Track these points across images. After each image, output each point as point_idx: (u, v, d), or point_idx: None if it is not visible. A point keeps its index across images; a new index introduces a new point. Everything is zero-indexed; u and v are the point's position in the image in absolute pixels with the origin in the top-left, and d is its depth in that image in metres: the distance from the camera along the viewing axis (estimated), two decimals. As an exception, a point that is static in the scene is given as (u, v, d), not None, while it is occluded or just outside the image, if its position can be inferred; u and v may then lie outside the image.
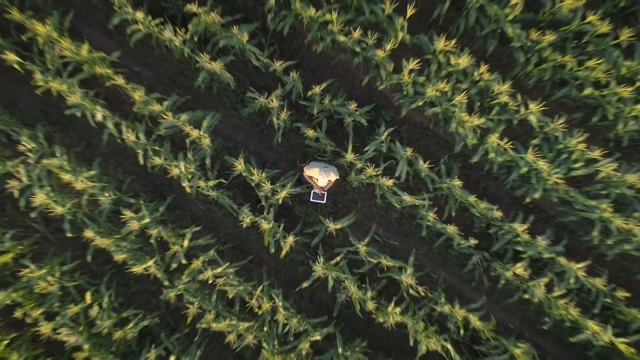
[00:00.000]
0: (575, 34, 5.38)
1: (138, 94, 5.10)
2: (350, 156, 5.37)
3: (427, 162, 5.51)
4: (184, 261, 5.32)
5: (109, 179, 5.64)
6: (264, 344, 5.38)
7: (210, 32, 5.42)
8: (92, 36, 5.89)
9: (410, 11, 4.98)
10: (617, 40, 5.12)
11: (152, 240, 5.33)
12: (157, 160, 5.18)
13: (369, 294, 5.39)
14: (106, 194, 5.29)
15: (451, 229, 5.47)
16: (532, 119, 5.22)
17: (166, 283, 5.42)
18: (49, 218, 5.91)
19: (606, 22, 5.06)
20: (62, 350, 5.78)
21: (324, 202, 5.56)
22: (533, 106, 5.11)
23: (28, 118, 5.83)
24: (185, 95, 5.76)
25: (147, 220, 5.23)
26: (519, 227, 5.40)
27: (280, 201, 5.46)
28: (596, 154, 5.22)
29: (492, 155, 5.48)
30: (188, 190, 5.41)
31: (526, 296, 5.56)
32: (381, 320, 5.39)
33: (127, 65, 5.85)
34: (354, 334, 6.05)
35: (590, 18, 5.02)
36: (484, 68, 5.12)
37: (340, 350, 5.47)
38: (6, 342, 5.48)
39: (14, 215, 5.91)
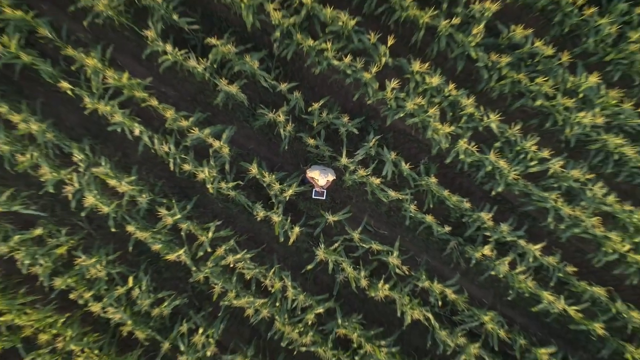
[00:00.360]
0: (529, 54, 6.51)
1: (169, 113, 6.21)
2: (344, 160, 6.49)
3: (409, 163, 6.63)
4: (208, 249, 6.44)
5: (144, 183, 6.75)
6: (277, 317, 6.49)
7: (226, 59, 6.53)
8: (125, 63, 7.00)
9: (390, 41, 6.12)
10: (560, 61, 6.25)
11: (182, 233, 6.45)
12: (187, 167, 6.29)
13: (363, 273, 6.51)
14: (143, 195, 6.39)
15: (429, 218, 6.60)
16: (493, 126, 6.35)
17: (193, 269, 6.52)
18: (91, 217, 7.02)
19: (550, 47, 6.20)
20: (107, 328, 6.89)
21: (324, 198, 6.70)
22: (493, 116, 6.24)
23: (73, 133, 6.93)
24: (206, 111, 6.87)
25: (178, 216, 6.34)
26: (485, 216, 6.53)
27: (287, 198, 6.57)
28: (546, 154, 6.35)
29: (462, 156, 6.60)
30: (211, 190, 6.52)
31: (493, 273, 6.69)
32: (373, 294, 6.51)
33: (155, 86, 6.95)
34: (351, 308, 7.17)
35: (537, 43, 6.16)
36: (452, 86, 6.24)
37: (339, 321, 6.59)
38: (62, 320, 6.58)
39: (62, 215, 7.01)
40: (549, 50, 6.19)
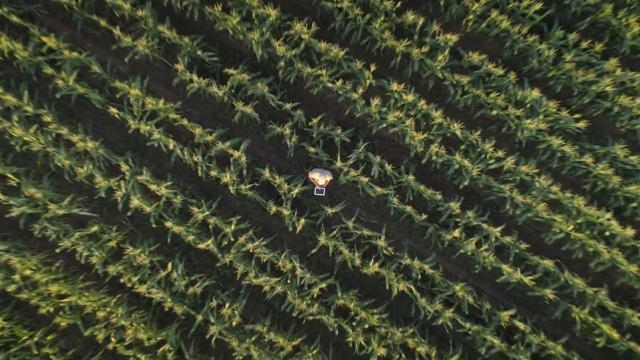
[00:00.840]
0: (485, 74, 8.05)
1: (197, 131, 7.74)
2: (339, 163, 8.01)
3: (392, 165, 8.16)
4: (232, 239, 7.95)
5: (176, 187, 8.26)
6: (288, 292, 8.01)
7: (240, 84, 8.04)
8: (156, 89, 8.51)
9: (373, 67, 7.66)
10: (510, 79, 7.80)
11: (210, 227, 7.97)
12: (213, 173, 7.81)
13: (357, 255, 8.04)
14: (178, 197, 7.91)
15: (409, 209, 8.13)
16: (457, 132, 7.88)
17: (219, 255, 8.04)
18: (133, 216, 8.53)
19: (501, 67, 7.74)
20: (149, 306, 8.40)
21: (323, 195, 8.23)
22: (456, 125, 7.78)
23: (117, 148, 8.44)
24: (225, 127, 8.39)
25: (206, 213, 7.86)
26: (454, 205, 8.07)
27: (294, 196, 8.10)
28: (501, 153, 7.89)
29: (434, 157, 8.14)
30: (232, 191, 8.04)
31: (463, 251, 8.23)
32: (365, 272, 8.04)
33: (182, 108, 8.46)
34: (348, 284, 8.69)
35: (490, 66, 7.70)
36: (423, 101, 7.78)
37: (339, 294, 8.12)
38: (114, 300, 8.09)
39: (109, 216, 8.51)
40: (500, 71, 7.74)
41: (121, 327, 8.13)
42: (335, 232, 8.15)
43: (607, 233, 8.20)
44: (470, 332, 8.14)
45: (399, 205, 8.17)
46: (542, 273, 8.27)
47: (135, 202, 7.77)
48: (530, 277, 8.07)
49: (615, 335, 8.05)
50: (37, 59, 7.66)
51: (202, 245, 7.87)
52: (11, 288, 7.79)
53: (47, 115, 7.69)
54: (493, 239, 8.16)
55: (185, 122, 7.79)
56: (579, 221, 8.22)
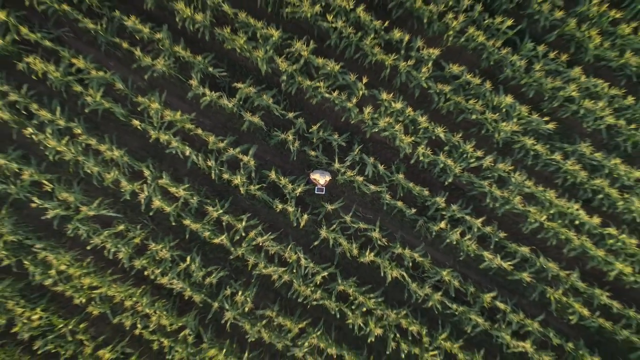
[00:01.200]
0: (465, 82, 9.05)
1: (211, 139, 8.74)
2: (337, 165, 9.02)
3: (384, 165, 9.16)
4: (243, 234, 8.95)
5: (192, 189, 9.25)
6: (294, 281, 9.01)
7: (248, 96, 9.04)
8: (172, 102, 9.50)
9: (365, 79, 8.66)
10: (487, 87, 8.81)
11: (223, 224, 8.97)
12: (225, 176, 8.81)
13: (354, 246, 9.04)
14: (194, 198, 8.91)
15: (400, 204, 9.13)
16: (441, 135, 8.89)
17: (232, 249, 9.03)
18: (153, 216, 9.51)
19: (478, 76, 8.75)
20: (170, 296, 9.39)
21: (323, 193, 9.24)
22: (440, 129, 8.79)
23: (138, 155, 9.44)
24: (234, 135, 9.39)
25: (220, 211, 8.86)
26: (440, 200, 9.07)
27: (297, 195, 9.10)
28: (479, 153, 8.90)
29: (422, 158, 9.14)
30: (242, 192, 9.04)
31: (449, 240, 9.23)
32: (362, 260, 9.04)
33: (196, 118, 9.46)
34: (347, 272, 9.70)
35: (468, 76, 8.70)
36: (410, 108, 8.79)
37: (339, 281, 9.12)
38: (139, 291, 9.08)
39: (132, 216, 9.50)
40: (478, 80, 8.75)
41: (146, 315, 9.13)
42: (334, 226, 9.15)
43: (577, 222, 9.21)
44: (457, 313, 9.14)
45: (391, 201, 9.17)
46: (520, 259, 9.29)
47: (156, 203, 8.77)
48: (509, 263, 9.06)
49: (586, 312, 9.05)
50: (67, 78, 8.65)
51: (216, 240, 8.86)
52: (48, 282, 8.78)
53: (77, 128, 8.68)
54: (475, 230, 9.17)
55: (199, 131, 8.79)
56: (551, 212, 9.23)
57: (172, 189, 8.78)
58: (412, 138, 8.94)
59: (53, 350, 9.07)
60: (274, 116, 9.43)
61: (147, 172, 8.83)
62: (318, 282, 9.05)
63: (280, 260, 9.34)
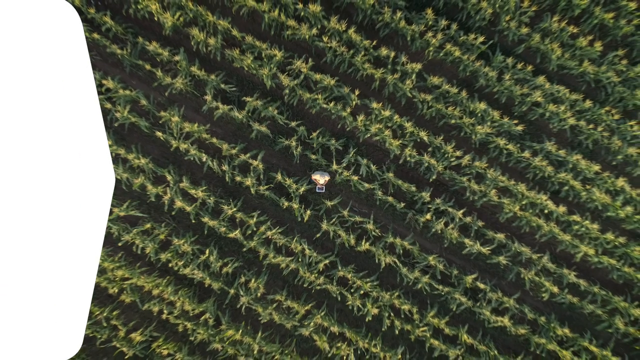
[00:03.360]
0: (445, 92, 10.37)
1: (225, 146, 10.04)
2: (335, 166, 10.32)
3: (376, 166, 10.47)
4: (254, 229, 10.25)
5: (209, 191, 10.55)
6: (300, 268, 10.31)
7: (255, 108, 10.34)
8: (188, 114, 10.80)
9: (357, 91, 9.98)
10: (463, 95, 10.12)
11: (237, 220, 10.27)
12: (238, 178, 10.11)
13: (352, 237, 10.35)
14: (211, 198, 10.20)
15: (391, 199, 10.44)
16: (425, 138, 10.21)
17: (245, 242, 10.32)
18: (174, 216, 10.81)
19: (455, 86, 10.07)
20: (191, 285, 10.69)
21: (324, 192, 10.55)
22: (423, 132, 10.11)
23: (158, 162, 10.73)
24: (244, 142, 10.69)
25: (234, 209, 10.16)
26: (425, 195, 10.39)
27: (300, 193, 10.40)
28: (459, 153, 10.22)
29: (409, 158, 10.46)
30: (252, 192, 10.33)
31: (434, 230, 10.55)
32: (359, 249, 10.35)
33: (210, 128, 10.75)
34: (346, 261, 11.01)
35: (446, 86, 10.03)
36: (397, 115, 10.10)
37: (339, 268, 10.42)
38: (164, 281, 10.37)
39: (155, 215, 10.80)
40: (455, 89, 10.07)
41: (170, 302, 10.42)
42: (334, 220, 10.45)
43: (546, 211, 10.53)
44: (443, 293, 10.46)
45: (383, 196, 10.48)
46: (497, 244, 10.61)
47: (178, 203, 10.06)
48: (487, 248, 10.39)
49: (556, 290, 10.38)
50: (100, 97, 9.93)
51: (231, 235, 10.16)
52: (85, 275, 10.06)
53: (108, 140, 9.96)
54: (457, 220, 10.49)
55: (214, 140, 10.09)
56: (523, 202, 10.55)
57: (192, 191, 10.07)
58: (400, 141, 10.25)
59: (90, 335, 10.36)
60: (278, 125, 10.72)
61: (169, 177, 10.12)
62: (321, 269, 10.35)
63: (287, 251, 10.64)
